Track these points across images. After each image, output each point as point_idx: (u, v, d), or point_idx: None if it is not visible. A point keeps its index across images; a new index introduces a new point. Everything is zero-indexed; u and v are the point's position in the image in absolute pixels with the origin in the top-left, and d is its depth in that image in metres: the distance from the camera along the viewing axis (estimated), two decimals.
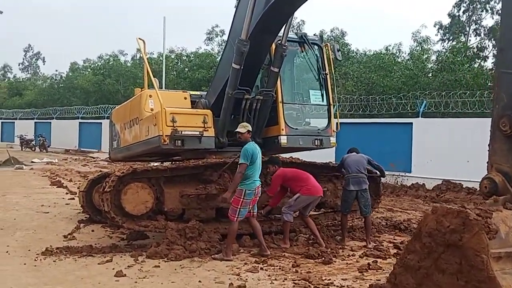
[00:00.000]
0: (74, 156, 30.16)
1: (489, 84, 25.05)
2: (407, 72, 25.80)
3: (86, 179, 10.06)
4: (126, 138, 9.53)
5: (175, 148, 7.75)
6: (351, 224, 9.01)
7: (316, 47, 8.78)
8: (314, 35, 8.91)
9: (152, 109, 8.44)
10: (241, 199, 6.81)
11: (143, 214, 7.28)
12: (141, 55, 8.16)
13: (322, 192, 7.84)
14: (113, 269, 6.16)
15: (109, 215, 7.08)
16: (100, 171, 18.98)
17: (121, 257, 6.80)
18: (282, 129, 8.22)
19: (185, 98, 9.09)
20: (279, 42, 7.75)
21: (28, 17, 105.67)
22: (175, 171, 7.58)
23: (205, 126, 7.85)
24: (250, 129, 7.26)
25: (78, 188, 10.86)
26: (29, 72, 76.68)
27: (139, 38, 8.08)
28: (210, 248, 7.02)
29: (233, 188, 6.88)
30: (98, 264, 6.44)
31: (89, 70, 46.47)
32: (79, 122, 35.31)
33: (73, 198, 11.66)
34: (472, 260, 3.58)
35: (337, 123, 9.04)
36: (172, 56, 38.57)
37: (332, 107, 8.83)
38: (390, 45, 30.02)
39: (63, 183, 15.50)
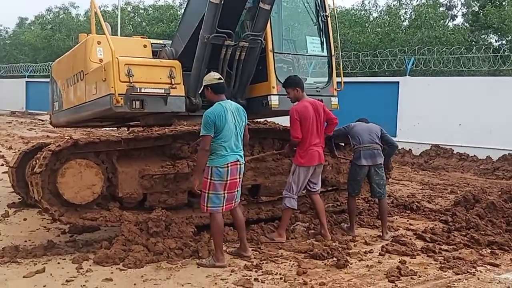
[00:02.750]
0: (20, 118, 27.28)
1: (467, 41, 23.77)
2: (380, 29, 24.10)
3: (18, 150, 7.95)
4: (69, 99, 7.47)
5: (133, 111, 5.79)
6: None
7: None
8: None
9: (101, 60, 6.46)
10: (208, 180, 4.86)
11: (89, 203, 5.31)
12: None
13: (321, 159, 5.91)
14: (44, 286, 4.29)
15: (41, 205, 5.08)
16: (47, 136, 16.77)
17: (58, 263, 4.87)
18: (273, 87, 6.33)
19: (145, 46, 7.07)
20: None
21: None
22: (132, 143, 5.58)
23: (172, 82, 5.90)
24: (215, 81, 5.03)
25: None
26: None
27: None
28: (183, 247, 5.18)
29: (199, 171, 4.94)
30: (24, 277, 4.50)
31: (37, 25, 42.60)
32: (26, 81, 32.13)
33: None
34: None
35: (339, 82, 7.15)
36: (129, 9, 35.52)
37: (334, 58, 6.95)
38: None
39: (0, 151, 13.14)
